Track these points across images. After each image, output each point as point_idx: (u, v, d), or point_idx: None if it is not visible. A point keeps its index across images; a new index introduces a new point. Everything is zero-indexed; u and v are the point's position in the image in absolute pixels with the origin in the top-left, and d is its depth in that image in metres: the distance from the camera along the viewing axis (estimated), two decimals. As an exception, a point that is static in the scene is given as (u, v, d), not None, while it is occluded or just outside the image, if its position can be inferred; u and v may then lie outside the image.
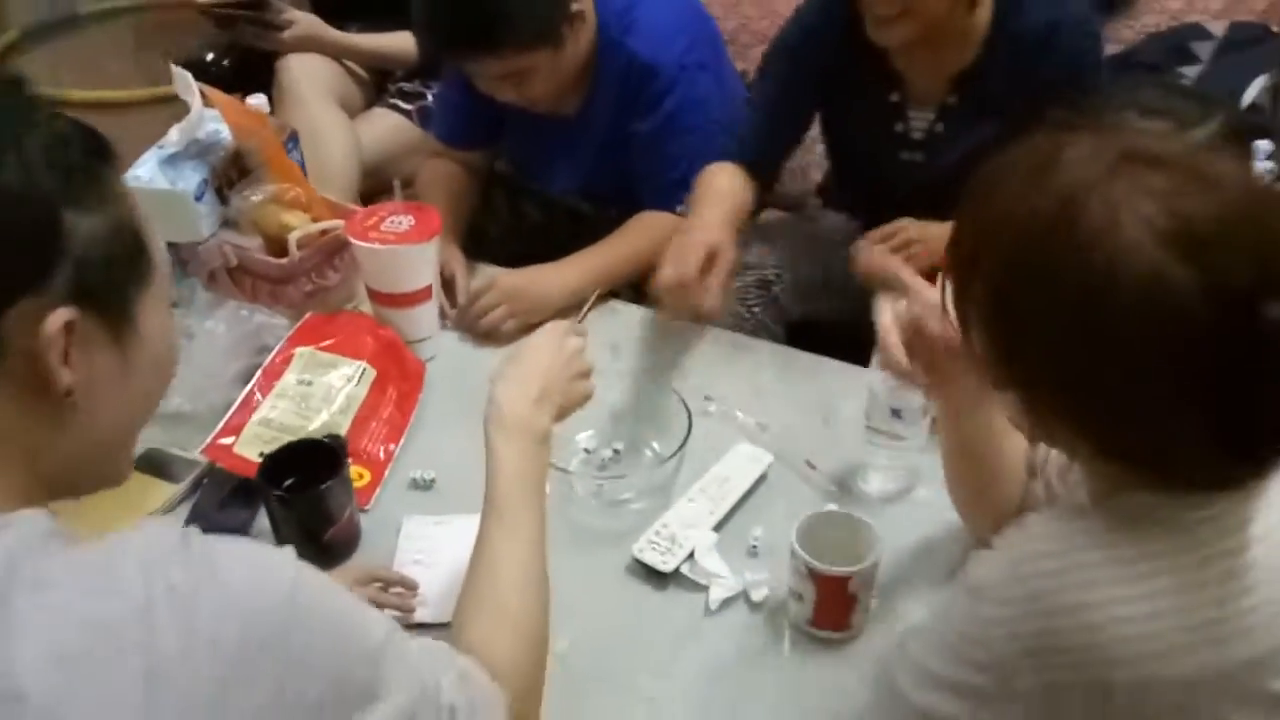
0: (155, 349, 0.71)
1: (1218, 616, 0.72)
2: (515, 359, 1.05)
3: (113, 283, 0.66)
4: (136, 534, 0.63)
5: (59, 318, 0.62)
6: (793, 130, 1.63)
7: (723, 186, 1.51)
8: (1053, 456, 1.00)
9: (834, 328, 1.62)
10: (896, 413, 1.18)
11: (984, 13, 1.43)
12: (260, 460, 1.19)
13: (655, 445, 1.30)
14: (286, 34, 2.07)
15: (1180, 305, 0.66)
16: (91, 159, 0.66)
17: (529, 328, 1.32)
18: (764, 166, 1.57)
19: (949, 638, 0.79)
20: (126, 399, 0.69)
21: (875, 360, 1.27)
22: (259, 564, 0.64)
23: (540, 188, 1.82)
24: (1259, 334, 0.66)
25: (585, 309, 1.22)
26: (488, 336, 1.49)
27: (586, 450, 1.30)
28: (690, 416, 1.23)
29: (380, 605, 1.08)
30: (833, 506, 1.12)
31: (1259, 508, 0.75)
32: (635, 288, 1.59)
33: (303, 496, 1.14)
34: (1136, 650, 0.71)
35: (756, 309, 1.60)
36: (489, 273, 1.53)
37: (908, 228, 1.52)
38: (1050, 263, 0.71)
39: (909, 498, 1.24)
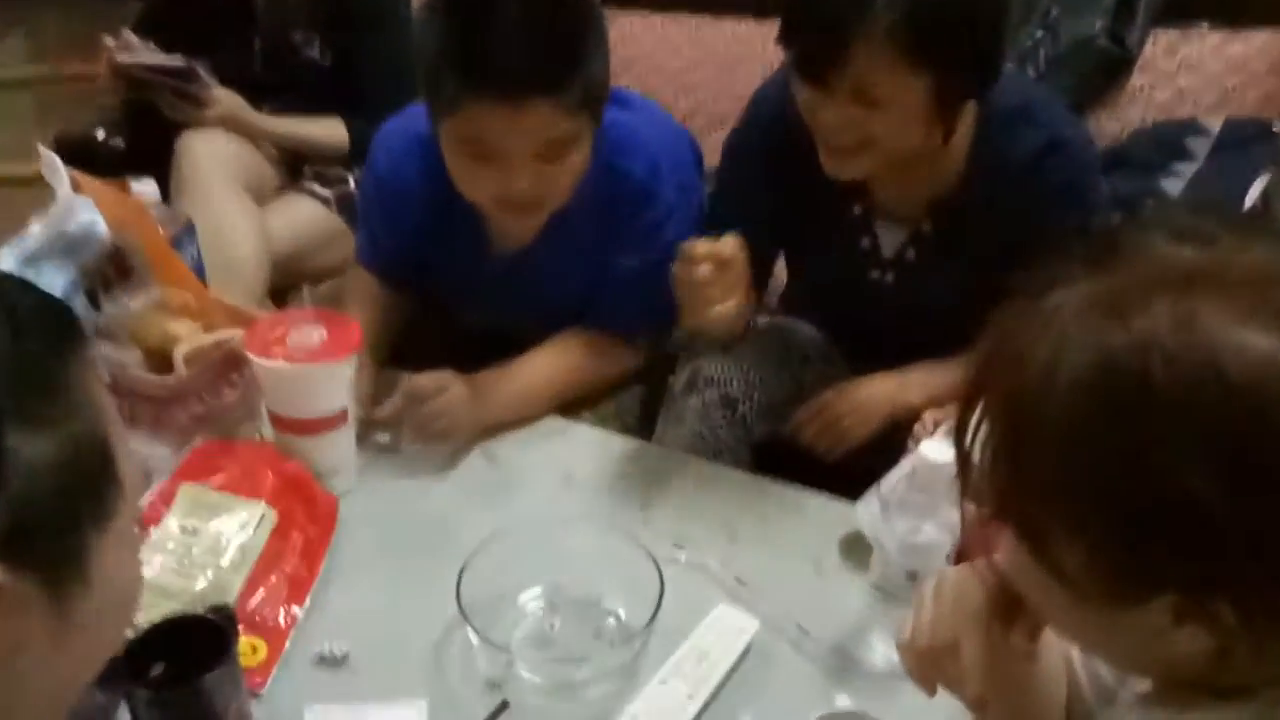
0: (111, 596, 0.53)
1: None
2: None
3: (60, 528, 0.49)
4: None
5: None
6: (771, 235, 1.45)
7: None
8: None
9: (800, 452, 1.44)
10: (913, 575, 0.98)
11: (962, 141, 1.27)
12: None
13: (620, 612, 1.08)
14: (209, 112, 1.85)
15: None
16: (49, 352, 0.48)
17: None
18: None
19: None
20: (65, 662, 0.52)
21: (874, 502, 1.08)
22: None
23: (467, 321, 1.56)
24: None
25: None
26: (423, 448, 1.28)
27: (530, 627, 1.07)
28: (662, 579, 1.02)
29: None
30: (845, 702, 0.91)
31: None
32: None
33: (176, 692, 0.89)
34: None
35: (720, 429, 1.40)
36: (430, 378, 1.29)
37: (831, 402, 1.38)
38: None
39: (921, 671, 1.04)
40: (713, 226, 1.30)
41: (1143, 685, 0.72)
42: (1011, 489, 0.61)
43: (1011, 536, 0.63)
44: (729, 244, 1.17)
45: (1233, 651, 0.57)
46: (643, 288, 1.38)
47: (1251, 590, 0.55)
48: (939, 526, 0.96)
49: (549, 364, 1.40)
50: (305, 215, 1.89)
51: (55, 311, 0.51)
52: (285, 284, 1.78)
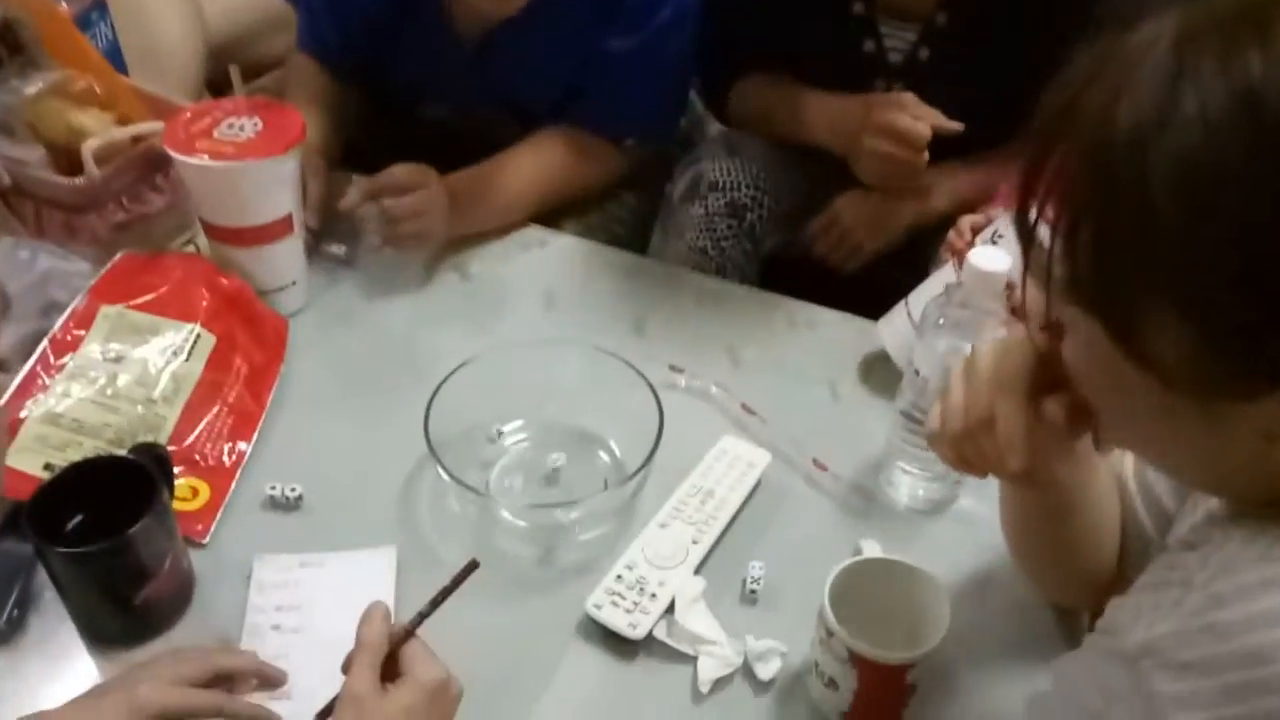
0: None
1: None
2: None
3: None
4: None
5: None
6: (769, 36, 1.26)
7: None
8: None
9: (814, 265, 1.29)
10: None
11: None
12: (45, 475, 0.82)
13: (613, 446, 0.95)
14: None
15: None
16: None
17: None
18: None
19: None
20: None
21: (900, 319, 0.94)
22: None
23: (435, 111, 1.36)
24: None
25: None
26: (385, 263, 1.12)
27: (510, 462, 0.94)
28: (660, 408, 0.88)
29: (239, 718, 0.72)
30: (873, 546, 0.79)
31: None
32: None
33: (98, 548, 0.76)
34: None
35: (725, 242, 1.24)
36: (409, 169, 1.11)
37: (847, 210, 1.23)
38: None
39: (949, 511, 0.92)
40: (709, 19, 1.18)
41: (1206, 507, 0.63)
42: (1101, 272, 0.50)
43: (1090, 331, 0.52)
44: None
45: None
46: (633, 79, 1.19)
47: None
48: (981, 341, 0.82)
49: (529, 165, 1.22)
50: (243, -3, 1.65)
51: None
52: (222, 78, 1.57)
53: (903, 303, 1.00)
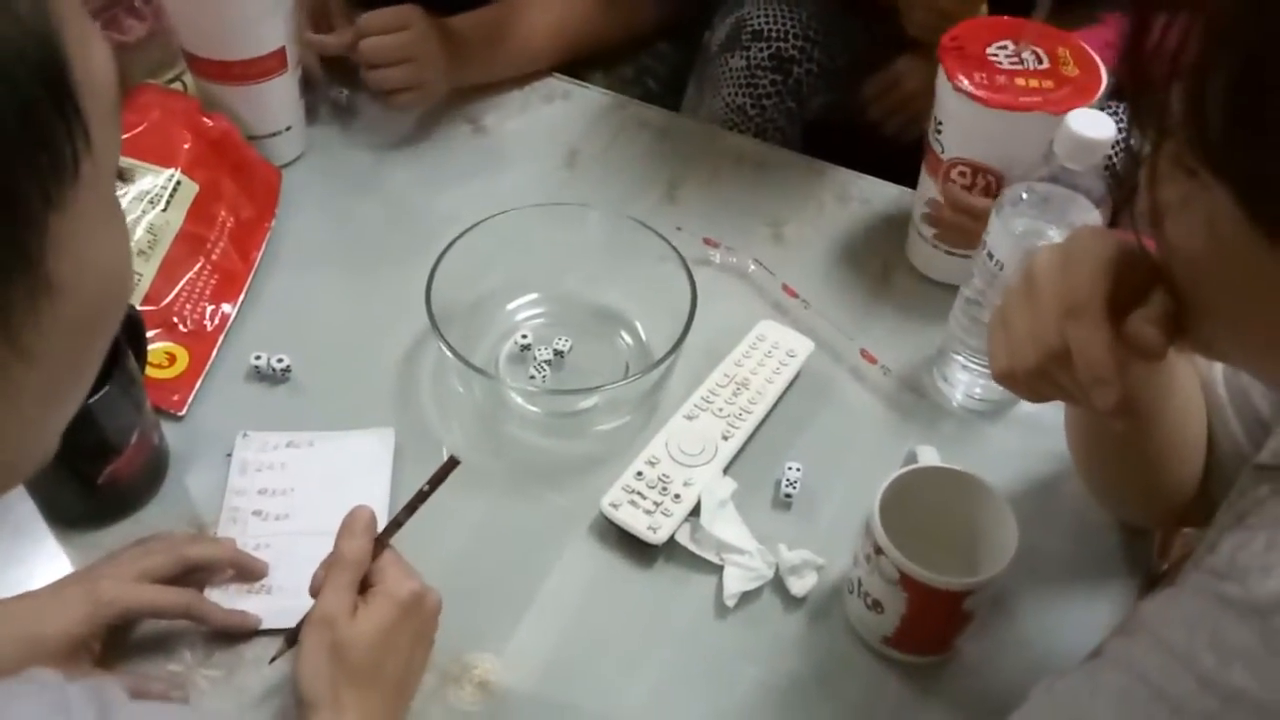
0: (92, 287, 0.36)
1: None
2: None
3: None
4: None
5: None
6: None
7: None
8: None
9: (868, 131, 1.16)
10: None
11: None
12: None
13: (638, 326, 0.85)
14: None
15: None
16: None
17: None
18: None
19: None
20: (51, 369, 0.36)
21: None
22: None
23: None
24: None
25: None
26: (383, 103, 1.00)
27: (523, 342, 0.84)
28: (693, 285, 0.78)
29: (208, 622, 0.66)
30: (930, 453, 0.70)
31: None
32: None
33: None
34: None
35: (768, 99, 1.11)
36: (386, 12, 0.98)
37: (910, 72, 1.11)
38: None
39: (1010, 413, 0.82)
40: None
41: None
42: (1241, 123, 0.41)
43: (1213, 205, 0.44)
44: None
45: None
46: None
47: None
48: (1072, 229, 0.71)
49: (549, 10, 1.08)
50: None
51: None
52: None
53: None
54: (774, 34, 1.10)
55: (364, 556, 0.60)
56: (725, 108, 1.12)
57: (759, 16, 1.11)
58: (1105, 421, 0.58)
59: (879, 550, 0.63)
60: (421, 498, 0.63)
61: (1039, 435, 0.79)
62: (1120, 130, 0.90)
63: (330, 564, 0.60)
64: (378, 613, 0.58)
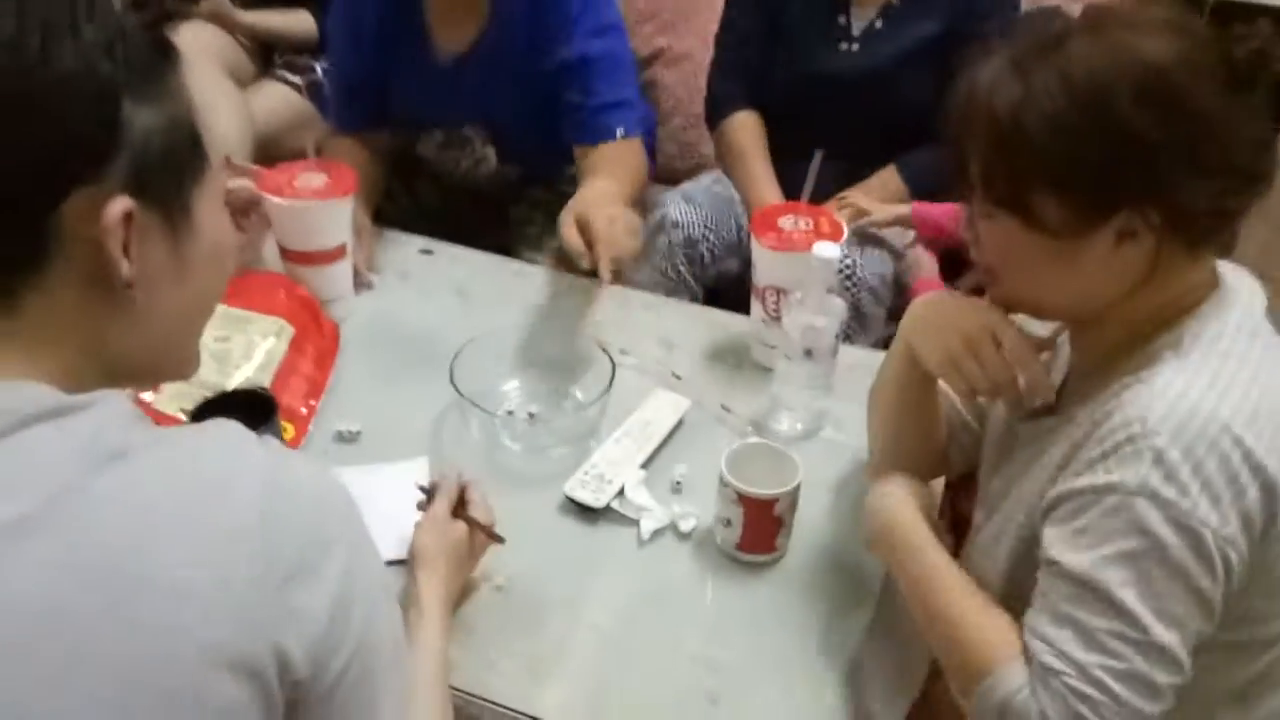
0: (212, 243, 0.71)
1: None
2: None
3: (170, 177, 0.66)
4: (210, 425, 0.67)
5: (118, 207, 0.63)
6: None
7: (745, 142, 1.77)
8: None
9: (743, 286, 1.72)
10: (809, 353, 1.25)
11: None
12: (183, 416, 1.19)
13: (578, 394, 1.34)
14: (202, 5, 2.09)
15: None
16: (152, 54, 0.67)
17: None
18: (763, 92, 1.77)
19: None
20: (186, 293, 0.70)
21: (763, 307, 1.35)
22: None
23: (438, 125, 1.77)
24: None
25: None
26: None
27: (509, 413, 1.33)
28: (613, 363, 1.28)
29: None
30: (755, 439, 1.18)
31: None
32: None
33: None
34: None
35: (681, 267, 1.70)
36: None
37: (854, 199, 1.73)
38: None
39: (818, 436, 1.32)
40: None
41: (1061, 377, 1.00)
42: (1002, 180, 0.87)
43: (1004, 223, 0.88)
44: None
45: (1167, 256, 0.86)
46: (589, 83, 1.58)
47: (1171, 189, 0.82)
48: (826, 315, 1.24)
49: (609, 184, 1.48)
50: (279, 99, 2.09)
51: (154, 31, 0.70)
52: (264, 163, 1.97)
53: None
54: (685, 223, 1.73)
55: (456, 487, 1.07)
56: (651, 272, 1.70)
57: (675, 210, 1.75)
58: (908, 371, 1.05)
59: (725, 484, 1.10)
60: (472, 522, 1.08)
61: (833, 448, 1.28)
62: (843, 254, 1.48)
63: (435, 490, 1.07)
64: (462, 529, 1.05)
